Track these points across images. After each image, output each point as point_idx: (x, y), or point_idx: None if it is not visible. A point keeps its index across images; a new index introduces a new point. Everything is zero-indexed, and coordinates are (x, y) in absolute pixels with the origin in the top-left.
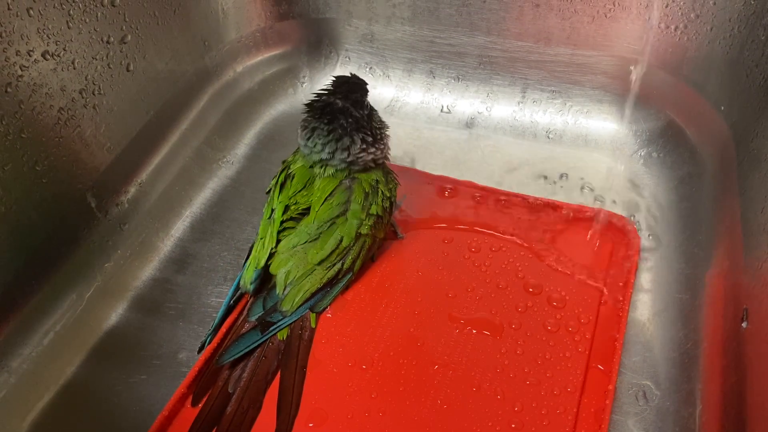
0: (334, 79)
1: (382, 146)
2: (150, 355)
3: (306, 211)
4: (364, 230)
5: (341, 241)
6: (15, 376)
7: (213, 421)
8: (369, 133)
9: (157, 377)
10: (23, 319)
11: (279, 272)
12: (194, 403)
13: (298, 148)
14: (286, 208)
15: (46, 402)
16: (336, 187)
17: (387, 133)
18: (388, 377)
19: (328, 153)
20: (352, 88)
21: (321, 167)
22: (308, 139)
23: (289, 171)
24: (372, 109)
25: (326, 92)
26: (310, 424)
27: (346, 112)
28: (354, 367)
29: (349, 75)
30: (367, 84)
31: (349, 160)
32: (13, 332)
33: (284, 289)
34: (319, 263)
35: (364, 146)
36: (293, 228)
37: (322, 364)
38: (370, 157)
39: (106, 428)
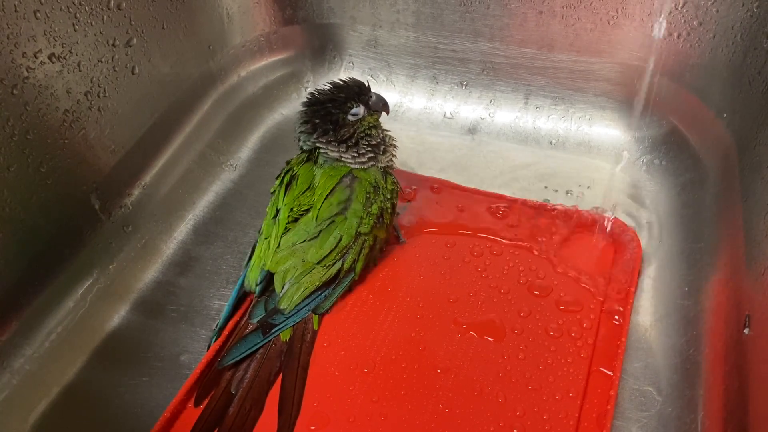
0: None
1: (355, 154)
2: (152, 357)
3: (308, 213)
4: (364, 229)
5: (340, 239)
6: (17, 377)
7: (215, 422)
8: (332, 129)
9: (159, 379)
10: (26, 319)
11: (278, 270)
12: (196, 404)
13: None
14: (291, 210)
15: (48, 403)
16: (336, 185)
17: (374, 146)
18: (389, 381)
19: (299, 131)
20: (344, 89)
21: (310, 153)
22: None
23: (294, 171)
24: (364, 119)
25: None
26: (312, 427)
27: (325, 104)
28: (356, 371)
29: (365, 83)
30: (359, 92)
31: (309, 143)
32: (15, 333)
33: (283, 287)
34: (319, 262)
35: (322, 139)
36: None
37: (324, 367)
38: (335, 155)
39: (108, 429)
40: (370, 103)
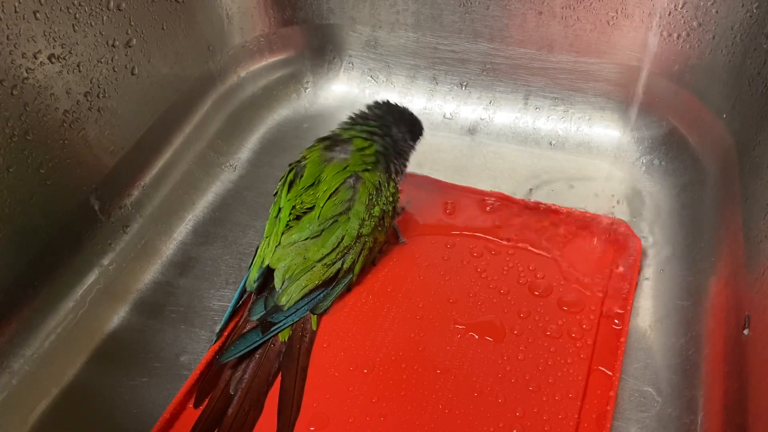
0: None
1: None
2: (151, 358)
3: (310, 210)
4: (365, 230)
5: (342, 239)
6: (16, 378)
7: (214, 422)
8: (399, 156)
9: (158, 380)
10: (25, 320)
11: (278, 266)
12: (196, 405)
13: (305, 150)
14: (293, 207)
15: (47, 404)
16: (340, 184)
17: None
18: (389, 381)
19: (368, 131)
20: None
21: (337, 148)
22: (367, 109)
23: (301, 164)
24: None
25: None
26: (312, 428)
27: (403, 130)
28: (355, 371)
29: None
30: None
31: (377, 148)
32: (15, 333)
33: (282, 283)
34: (320, 260)
35: (394, 161)
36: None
37: (323, 368)
38: (393, 164)
39: (107, 430)
40: None
